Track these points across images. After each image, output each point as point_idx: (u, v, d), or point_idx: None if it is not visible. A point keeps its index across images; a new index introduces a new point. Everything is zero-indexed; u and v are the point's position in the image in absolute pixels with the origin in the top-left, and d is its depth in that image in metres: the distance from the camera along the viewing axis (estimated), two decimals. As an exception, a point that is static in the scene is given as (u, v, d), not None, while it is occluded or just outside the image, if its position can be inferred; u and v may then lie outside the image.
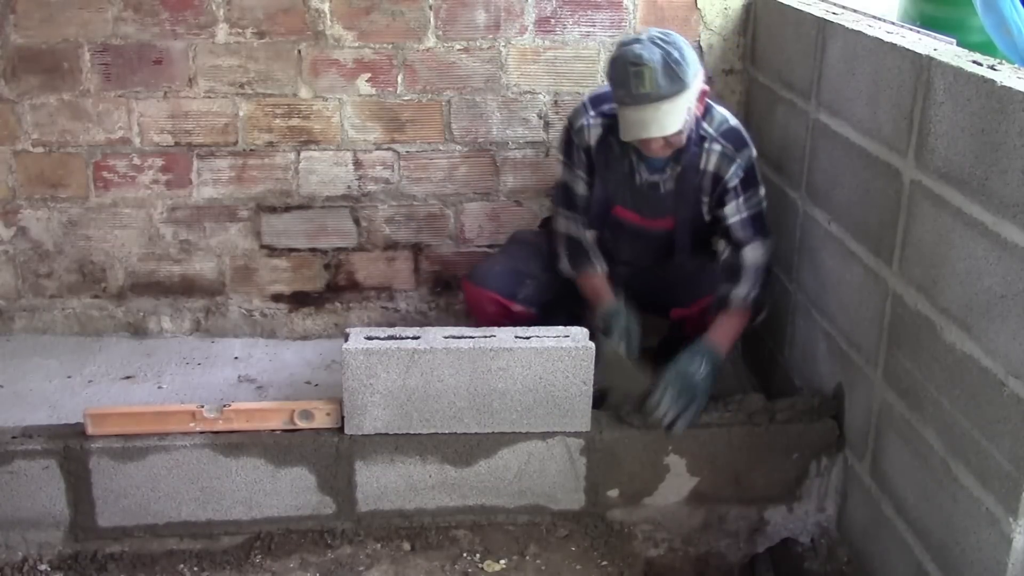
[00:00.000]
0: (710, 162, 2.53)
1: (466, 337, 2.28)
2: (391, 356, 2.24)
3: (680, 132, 2.40)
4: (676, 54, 2.35)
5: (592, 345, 2.28)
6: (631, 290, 2.70)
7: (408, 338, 2.27)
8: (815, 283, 2.54)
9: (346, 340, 2.26)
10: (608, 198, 2.66)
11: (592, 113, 2.60)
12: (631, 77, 2.33)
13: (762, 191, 2.57)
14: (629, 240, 2.72)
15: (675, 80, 2.34)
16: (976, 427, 1.77)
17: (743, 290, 2.53)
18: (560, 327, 2.35)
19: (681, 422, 2.33)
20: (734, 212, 2.54)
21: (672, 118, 2.36)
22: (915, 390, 1.99)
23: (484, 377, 2.26)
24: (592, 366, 2.29)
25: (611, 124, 2.53)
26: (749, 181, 2.54)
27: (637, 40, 2.38)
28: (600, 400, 2.43)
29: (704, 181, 2.55)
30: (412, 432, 2.29)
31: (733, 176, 2.51)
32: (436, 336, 2.29)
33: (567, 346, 2.27)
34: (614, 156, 2.59)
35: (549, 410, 2.30)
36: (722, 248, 2.60)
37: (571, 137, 2.65)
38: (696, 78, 2.40)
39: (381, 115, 3.19)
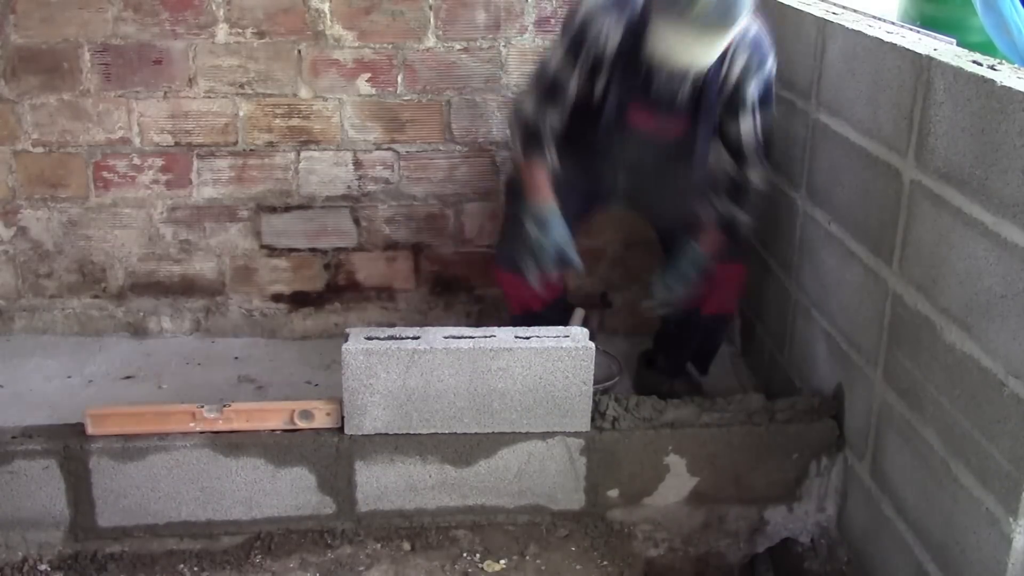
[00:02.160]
0: (732, 72, 2.44)
1: (466, 337, 2.28)
2: (391, 356, 2.24)
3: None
4: None
5: (592, 346, 2.28)
6: (631, 200, 2.71)
7: (408, 338, 2.27)
8: (815, 283, 2.54)
9: (346, 340, 2.26)
10: (622, 102, 2.51)
11: (615, 16, 2.41)
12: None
13: (773, 109, 2.52)
14: (639, 146, 2.60)
15: (726, 10, 2.20)
16: (976, 427, 1.77)
17: (745, 217, 2.53)
18: (559, 327, 2.35)
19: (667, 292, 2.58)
20: (748, 129, 2.49)
21: (713, 50, 2.26)
22: (915, 390, 1.99)
23: (484, 377, 2.26)
24: (592, 366, 2.29)
25: (633, 29, 2.39)
26: (767, 98, 2.48)
27: None
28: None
29: (725, 88, 2.47)
30: (412, 432, 2.29)
31: (753, 90, 2.45)
32: (436, 336, 2.28)
33: (567, 346, 2.27)
34: (631, 62, 2.42)
35: (549, 410, 2.30)
36: (724, 160, 2.54)
37: (584, 36, 2.44)
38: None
39: (381, 115, 3.19)
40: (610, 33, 2.41)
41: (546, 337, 2.29)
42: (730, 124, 2.51)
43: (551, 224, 2.51)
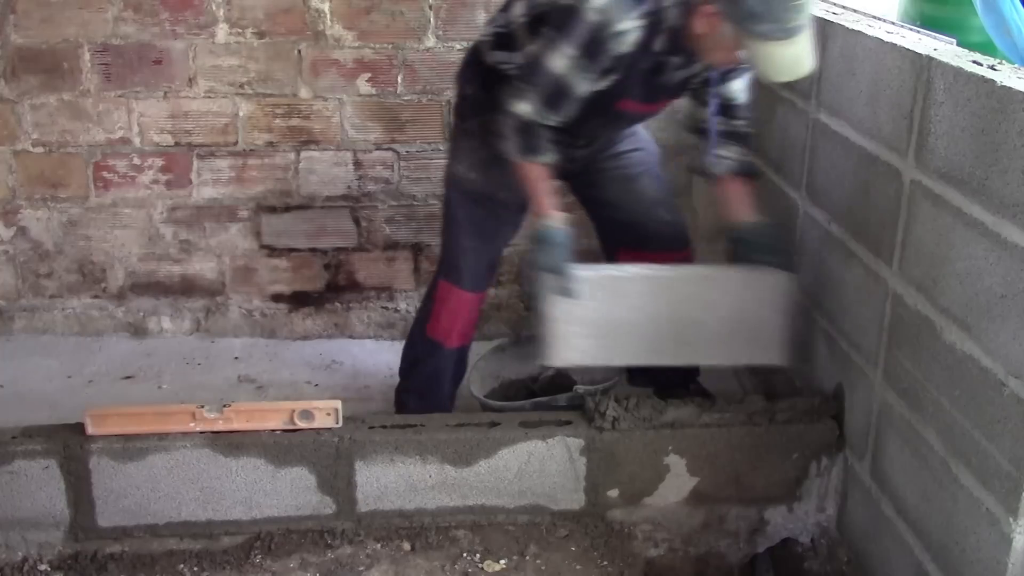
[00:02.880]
0: None
1: (665, 269, 2.30)
2: (595, 284, 2.23)
3: None
4: None
5: (792, 276, 2.27)
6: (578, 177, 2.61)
7: (609, 270, 2.29)
8: (815, 283, 2.54)
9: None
10: (618, 90, 2.35)
11: (635, 14, 2.20)
12: (787, 14, 2.04)
13: None
14: (610, 121, 2.50)
15: None
16: (976, 427, 1.77)
17: (750, 156, 2.52)
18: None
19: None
20: (742, 89, 2.48)
21: (810, 43, 2.12)
22: (915, 390, 1.99)
23: (684, 305, 2.25)
24: (790, 296, 2.27)
25: (651, 25, 2.23)
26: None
27: None
28: (578, 401, 2.43)
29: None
30: (611, 364, 2.31)
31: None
32: (635, 268, 2.30)
33: (767, 274, 2.28)
34: (644, 58, 2.29)
35: (746, 340, 2.29)
36: (710, 115, 2.47)
37: (602, 36, 2.20)
38: None
39: (381, 115, 3.19)
40: (630, 31, 2.21)
41: (744, 269, 2.31)
42: (723, 88, 2.47)
43: (555, 246, 2.31)
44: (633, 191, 2.66)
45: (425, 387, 2.72)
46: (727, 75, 2.45)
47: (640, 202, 2.66)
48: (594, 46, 2.21)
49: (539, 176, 2.37)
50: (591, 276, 2.23)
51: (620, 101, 2.38)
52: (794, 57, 2.11)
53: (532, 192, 2.39)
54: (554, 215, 2.35)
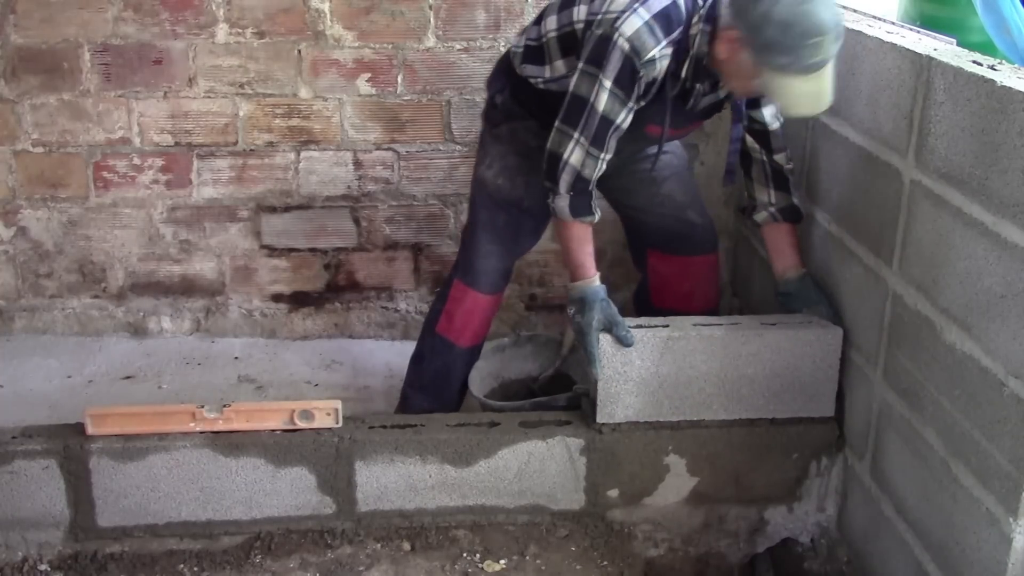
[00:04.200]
0: None
1: (714, 324, 2.31)
2: (646, 343, 2.25)
3: None
4: (838, 7, 2.05)
5: (839, 330, 2.29)
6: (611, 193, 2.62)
7: (657, 327, 2.29)
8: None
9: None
10: (646, 117, 2.32)
11: (664, 43, 2.17)
12: (806, 50, 1.99)
13: None
14: (638, 143, 2.46)
15: (841, 36, 2.03)
16: (976, 427, 1.77)
17: (796, 198, 2.49)
18: (797, 314, 2.38)
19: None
20: (772, 118, 2.44)
21: (832, 81, 2.08)
22: (915, 390, 1.99)
23: (735, 363, 2.27)
24: (839, 350, 2.29)
25: (678, 51, 2.21)
26: None
27: None
28: (577, 401, 2.43)
29: None
30: (662, 420, 2.31)
31: None
32: (684, 323, 2.31)
33: (816, 330, 2.29)
34: (672, 85, 2.27)
35: (795, 395, 2.31)
36: (732, 139, 2.46)
37: (636, 67, 2.17)
38: None
39: (381, 115, 3.19)
40: (661, 57, 2.19)
41: (792, 322, 2.32)
42: (753, 113, 2.44)
43: (593, 308, 2.30)
44: (661, 195, 2.67)
45: (432, 384, 2.72)
46: (755, 100, 2.41)
47: (669, 205, 2.67)
48: (628, 75, 2.19)
49: (583, 237, 2.36)
50: (642, 335, 2.25)
51: (648, 126, 2.35)
52: (812, 93, 2.07)
53: (575, 254, 2.36)
54: (593, 276, 2.34)
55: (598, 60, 2.20)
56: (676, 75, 2.24)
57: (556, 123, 2.28)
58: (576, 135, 2.25)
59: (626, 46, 2.16)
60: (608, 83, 2.19)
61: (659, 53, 2.17)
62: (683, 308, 2.59)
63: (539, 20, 2.45)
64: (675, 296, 2.71)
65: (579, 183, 2.28)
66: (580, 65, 2.25)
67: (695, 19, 2.18)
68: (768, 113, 2.43)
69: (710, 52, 2.19)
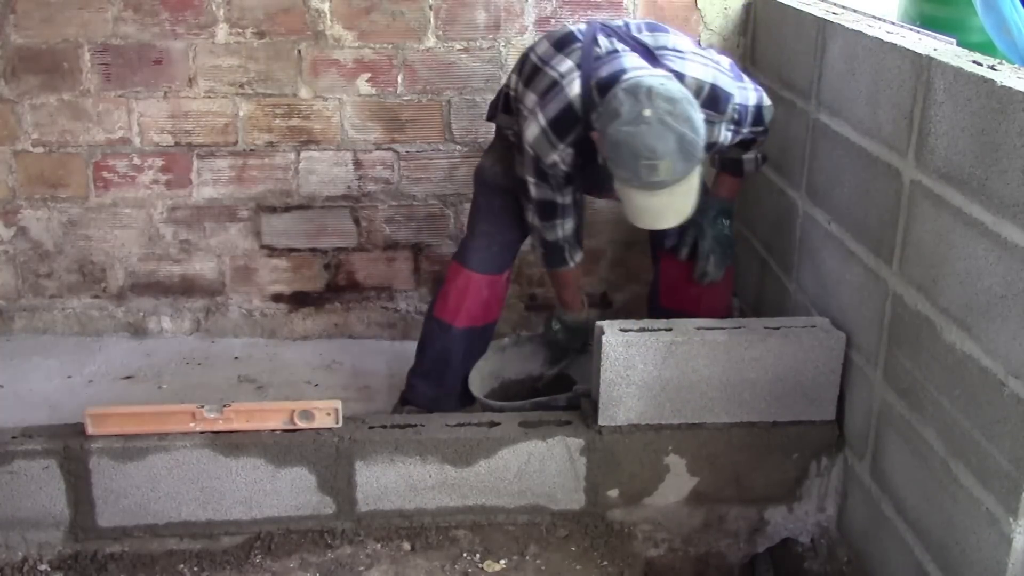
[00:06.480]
0: (720, 138, 2.38)
1: (718, 329, 2.31)
2: (649, 347, 2.26)
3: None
4: (690, 132, 2.07)
5: (842, 335, 2.30)
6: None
7: (660, 330, 2.30)
8: (815, 283, 2.54)
9: (601, 333, 2.28)
10: (588, 188, 2.57)
11: (560, 146, 2.33)
12: (642, 170, 2.07)
13: (752, 118, 2.42)
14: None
15: (690, 159, 2.09)
16: (976, 427, 1.77)
17: (752, 154, 2.57)
18: (800, 318, 2.44)
19: (718, 272, 2.62)
20: (738, 151, 2.54)
21: (688, 199, 2.17)
22: (915, 390, 1.99)
23: (737, 367, 2.28)
24: (841, 354, 2.30)
25: (581, 140, 2.32)
26: (738, 131, 2.41)
27: (642, 118, 2.06)
28: (577, 402, 2.44)
29: (721, 147, 2.46)
30: (664, 423, 2.32)
31: (723, 138, 2.38)
32: (687, 327, 2.31)
33: (819, 335, 2.30)
34: (589, 163, 2.37)
35: (796, 399, 2.31)
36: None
37: (544, 170, 2.40)
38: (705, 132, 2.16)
39: (381, 115, 3.19)
40: (562, 158, 2.34)
41: (795, 327, 2.33)
42: (733, 152, 2.56)
43: (577, 336, 2.72)
44: None
45: (433, 369, 2.75)
46: (747, 144, 2.53)
47: None
48: (541, 172, 2.41)
49: (564, 282, 2.66)
50: (645, 339, 2.26)
51: (589, 191, 2.60)
52: (653, 209, 2.17)
53: (559, 293, 2.70)
54: (581, 312, 2.71)
55: (523, 156, 2.45)
56: (590, 156, 2.34)
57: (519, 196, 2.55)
58: (530, 208, 2.52)
59: (530, 152, 2.38)
60: (531, 177, 2.44)
61: (559, 155, 2.34)
62: (691, 311, 2.60)
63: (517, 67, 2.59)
64: (683, 299, 2.72)
65: (546, 243, 2.54)
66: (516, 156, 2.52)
67: (593, 114, 2.24)
68: (732, 151, 2.54)
69: None
